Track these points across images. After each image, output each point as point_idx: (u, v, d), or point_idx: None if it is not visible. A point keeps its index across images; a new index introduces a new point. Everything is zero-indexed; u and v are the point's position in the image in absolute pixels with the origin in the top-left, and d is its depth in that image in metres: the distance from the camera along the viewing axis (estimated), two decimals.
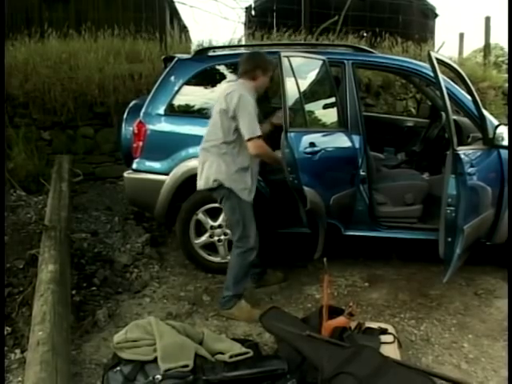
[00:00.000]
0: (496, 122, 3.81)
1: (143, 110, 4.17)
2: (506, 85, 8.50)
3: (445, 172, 3.49)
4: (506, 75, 9.34)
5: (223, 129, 3.31)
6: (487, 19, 9.60)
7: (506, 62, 11.92)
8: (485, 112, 3.81)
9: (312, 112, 4.05)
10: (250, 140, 3.22)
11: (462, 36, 10.27)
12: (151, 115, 4.15)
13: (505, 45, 12.95)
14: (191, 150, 4.02)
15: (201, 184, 3.45)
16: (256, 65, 3.42)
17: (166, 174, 4.09)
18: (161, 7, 8.26)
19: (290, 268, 4.23)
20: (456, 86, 3.99)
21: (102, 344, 3.13)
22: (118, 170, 5.74)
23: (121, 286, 3.89)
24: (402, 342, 3.01)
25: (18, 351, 3.02)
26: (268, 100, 5.62)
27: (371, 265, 4.24)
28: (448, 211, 3.25)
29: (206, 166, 3.40)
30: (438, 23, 12.74)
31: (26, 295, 3.42)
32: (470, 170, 3.32)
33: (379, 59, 4.30)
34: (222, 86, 3.61)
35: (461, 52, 10.21)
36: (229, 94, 3.28)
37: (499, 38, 12.68)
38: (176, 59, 4.28)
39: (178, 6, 12.26)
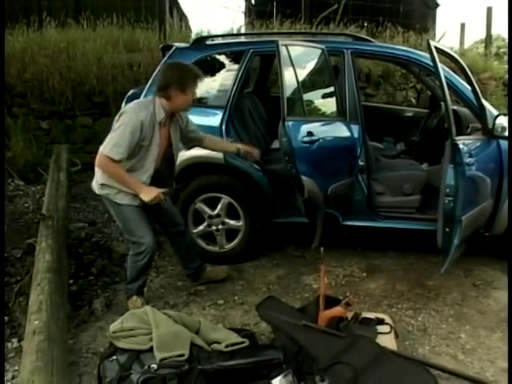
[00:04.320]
0: (495, 113, 3.79)
1: (141, 99, 4.14)
2: (507, 76, 8.47)
3: (443, 162, 3.47)
4: (507, 66, 9.31)
5: None
6: (489, 10, 9.55)
7: (507, 52, 11.87)
8: (484, 102, 3.78)
9: (311, 101, 4.03)
10: (100, 153, 2.98)
11: (463, 26, 10.23)
12: None
13: (506, 35, 12.88)
14: None
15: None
16: (169, 82, 3.05)
17: None
18: None
19: (288, 258, 4.23)
20: (456, 75, 3.96)
21: (99, 333, 3.13)
22: None
23: (118, 276, 3.89)
24: (398, 332, 3.02)
25: (14, 340, 3.03)
26: (267, 89, 5.62)
27: (369, 255, 4.23)
28: (446, 201, 3.23)
29: None
30: (440, 13, 12.68)
31: (23, 284, 3.43)
32: (469, 160, 3.29)
33: (379, 48, 4.26)
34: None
35: (462, 42, 10.17)
36: (122, 109, 3.13)
37: (501, 29, 12.64)
38: (174, 48, 4.25)
39: None
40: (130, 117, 2.99)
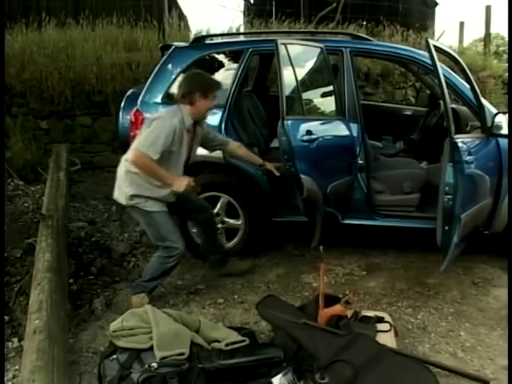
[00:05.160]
0: (494, 111, 3.79)
1: (140, 98, 4.15)
2: (506, 74, 8.47)
3: (443, 160, 3.47)
4: (507, 64, 9.31)
5: None
6: (488, 8, 9.55)
7: (507, 51, 11.86)
8: (483, 100, 3.79)
9: (310, 100, 4.04)
10: (135, 149, 3.10)
11: (462, 25, 10.22)
12: (148, 104, 4.13)
13: (505, 34, 12.89)
14: None
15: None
16: (193, 88, 3.23)
17: None
18: None
19: (288, 257, 4.23)
20: (455, 74, 3.96)
21: (99, 332, 3.14)
22: (116, 158, 5.58)
23: (118, 275, 3.91)
24: (398, 330, 3.02)
25: (15, 340, 3.03)
26: (266, 88, 5.62)
27: (369, 253, 4.24)
28: (445, 199, 3.23)
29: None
30: (439, 12, 12.67)
31: (24, 284, 3.42)
32: (468, 158, 3.29)
33: (377, 47, 4.27)
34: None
35: (461, 41, 10.16)
36: (155, 115, 3.30)
37: (500, 27, 12.63)
38: (173, 47, 4.26)
39: None
40: (165, 122, 3.14)
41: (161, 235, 3.31)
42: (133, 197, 3.25)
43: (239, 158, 3.81)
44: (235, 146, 3.73)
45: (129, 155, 3.16)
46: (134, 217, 3.54)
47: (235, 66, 4.15)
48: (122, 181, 3.29)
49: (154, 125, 3.14)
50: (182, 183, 3.17)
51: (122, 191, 3.31)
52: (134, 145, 3.17)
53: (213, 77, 3.46)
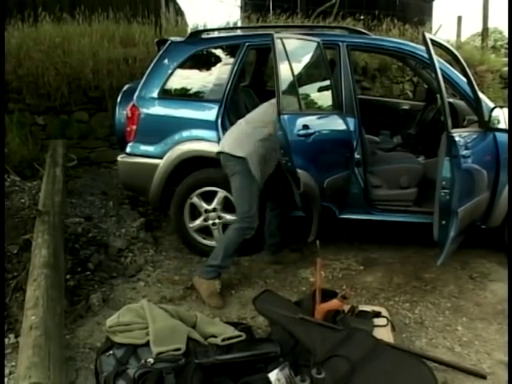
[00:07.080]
0: (492, 105, 3.78)
1: (136, 93, 4.13)
2: (504, 68, 8.47)
3: (440, 155, 3.47)
4: (504, 59, 9.31)
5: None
6: (485, 2, 9.55)
7: (505, 45, 11.86)
8: (480, 95, 3.78)
9: (306, 95, 4.00)
10: None
11: (459, 19, 10.20)
12: (144, 99, 4.12)
13: (503, 28, 12.88)
14: (185, 134, 3.99)
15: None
16: None
17: (160, 158, 4.06)
18: None
19: (285, 251, 4.22)
20: (452, 68, 3.95)
21: (96, 328, 3.13)
22: (113, 154, 5.66)
23: (115, 271, 3.89)
24: (396, 325, 3.02)
25: (11, 336, 3.02)
26: (264, 83, 5.60)
27: (366, 248, 4.24)
28: (442, 194, 3.23)
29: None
30: (436, 6, 12.65)
31: (20, 280, 3.41)
32: (465, 152, 3.28)
33: (374, 41, 4.25)
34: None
35: (459, 35, 10.15)
36: None
37: (498, 22, 12.61)
38: (169, 42, 4.24)
39: None
40: None
41: (249, 202, 3.45)
42: (252, 154, 3.44)
43: None
44: None
45: None
46: (229, 174, 3.55)
47: (232, 60, 4.13)
48: (247, 142, 3.48)
49: None
50: None
51: (241, 146, 3.46)
52: None
53: None
